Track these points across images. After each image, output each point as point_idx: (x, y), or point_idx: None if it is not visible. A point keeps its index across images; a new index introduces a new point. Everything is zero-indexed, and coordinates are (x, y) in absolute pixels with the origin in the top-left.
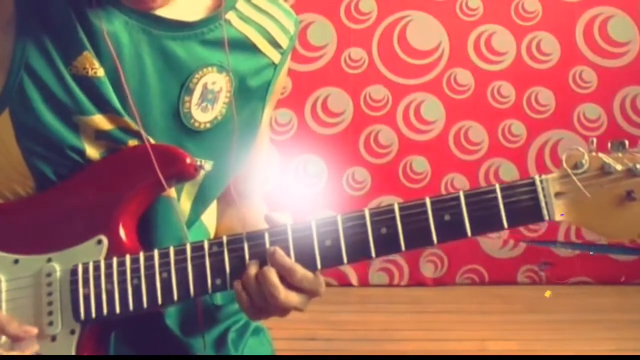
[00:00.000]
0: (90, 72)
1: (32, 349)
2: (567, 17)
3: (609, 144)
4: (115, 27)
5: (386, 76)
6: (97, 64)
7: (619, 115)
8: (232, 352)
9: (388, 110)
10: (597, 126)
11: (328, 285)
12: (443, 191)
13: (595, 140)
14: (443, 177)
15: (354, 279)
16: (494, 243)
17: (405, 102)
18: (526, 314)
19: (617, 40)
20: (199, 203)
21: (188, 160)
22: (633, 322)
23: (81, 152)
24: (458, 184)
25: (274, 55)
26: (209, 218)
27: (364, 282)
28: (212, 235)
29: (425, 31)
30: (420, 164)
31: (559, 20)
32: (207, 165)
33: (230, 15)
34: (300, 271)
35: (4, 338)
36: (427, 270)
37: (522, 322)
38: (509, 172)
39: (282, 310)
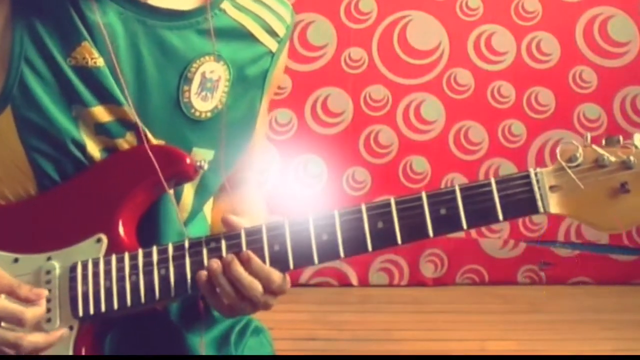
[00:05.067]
0: (90, 62)
1: (37, 314)
2: (567, 17)
3: (604, 140)
4: (109, 18)
5: (386, 76)
6: (96, 54)
7: (619, 115)
8: (233, 353)
9: (388, 110)
10: (597, 126)
11: (328, 285)
12: None
13: (590, 135)
14: (443, 177)
15: (354, 279)
16: (494, 243)
17: (405, 102)
18: (526, 314)
19: (617, 40)
20: (202, 193)
21: (188, 161)
22: (633, 322)
23: (82, 147)
24: (458, 184)
25: (271, 44)
26: (208, 207)
27: (364, 282)
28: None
29: (425, 31)
30: (420, 164)
31: (559, 20)
32: (206, 165)
33: (226, 4)
34: (277, 279)
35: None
36: (427, 270)
37: (522, 322)
38: (509, 172)
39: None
